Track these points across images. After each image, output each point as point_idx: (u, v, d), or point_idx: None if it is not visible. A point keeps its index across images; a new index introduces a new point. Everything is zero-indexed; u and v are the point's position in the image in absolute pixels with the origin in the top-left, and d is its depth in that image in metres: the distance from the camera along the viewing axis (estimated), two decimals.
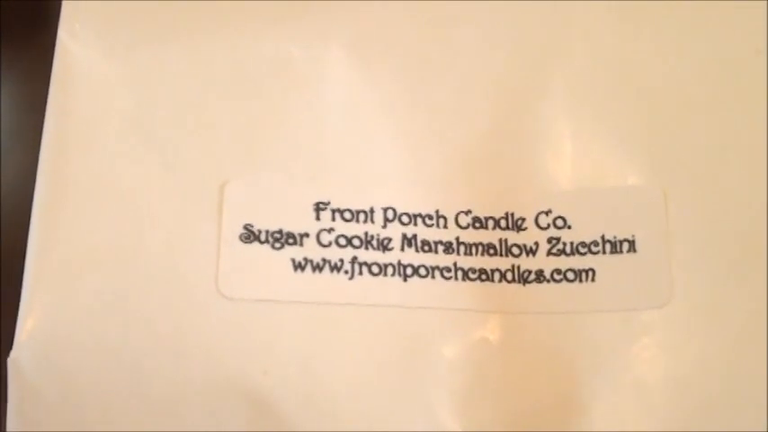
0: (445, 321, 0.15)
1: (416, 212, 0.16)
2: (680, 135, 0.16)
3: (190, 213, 0.15)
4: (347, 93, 0.16)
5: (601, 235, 0.15)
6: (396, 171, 0.16)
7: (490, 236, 0.15)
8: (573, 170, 0.16)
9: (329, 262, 0.15)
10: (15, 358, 0.15)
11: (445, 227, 0.15)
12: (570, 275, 0.15)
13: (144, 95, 0.16)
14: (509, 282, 0.15)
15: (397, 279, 0.15)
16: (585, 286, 0.15)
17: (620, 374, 0.14)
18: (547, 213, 0.16)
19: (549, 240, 0.15)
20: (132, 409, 0.14)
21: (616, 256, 0.15)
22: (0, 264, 0.34)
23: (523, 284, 0.15)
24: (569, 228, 0.15)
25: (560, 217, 0.15)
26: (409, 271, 0.15)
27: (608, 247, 0.15)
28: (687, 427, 0.14)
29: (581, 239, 0.15)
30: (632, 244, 0.15)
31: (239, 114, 0.16)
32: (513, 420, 0.15)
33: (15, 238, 0.38)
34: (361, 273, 0.15)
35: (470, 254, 0.15)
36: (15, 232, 0.39)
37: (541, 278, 0.15)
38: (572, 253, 0.15)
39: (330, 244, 0.15)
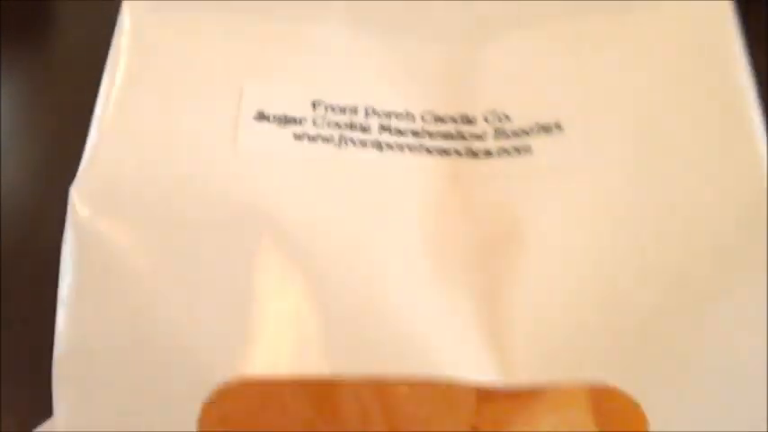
0: (412, 176, 0.19)
1: (391, 110, 0.20)
2: (587, 68, 0.20)
3: (218, 104, 0.20)
4: (342, 31, 0.21)
5: (535, 122, 0.20)
6: (376, 81, 0.21)
7: (448, 127, 0.20)
8: (514, 85, 0.20)
9: (321, 136, 0.20)
10: (72, 201, 0.19)
11: (413, 121, 0.20)
12: (511, 151, 0.19)
13: (190, 36, 0.21)
14: (462, 156, 0.20)
15: (374, 150, 0.19)
16: (524, 157, 0.19)
17: (548, 219, 0.18)
18: (492, 112, 0.20)
19: (495, 130, 0.20)
20: (172, 225, 0.18)
21: (548, 136, 0.19)
22: (0, 263, 0.34)
23: (474, 158, 0.20)
24: (509, 120, 0.20)
25: (502, 113, 0.20)
26: (384, 146, 0.20)
27: (541, 130, 0.20)
28: (611, 247, 0.18)
29: (520, 127, 0.20)
30: (559, 125, 0.19)
31: (257, 45, 0.21)
32: (467, 245, 0.18)
33: (15, 237, 0.38)
34: (346, 144, 0.20)
35: (432, 138, 0.20)
36: (15, 232, 0.39)
37: (489, 155, 0.20)
38: (512, 136, 0.20)
39: (322, 125, 0.20)
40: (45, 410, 0.26)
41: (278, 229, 0.18)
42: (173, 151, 0.19)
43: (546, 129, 0.19)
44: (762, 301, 0.17)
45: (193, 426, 0.16)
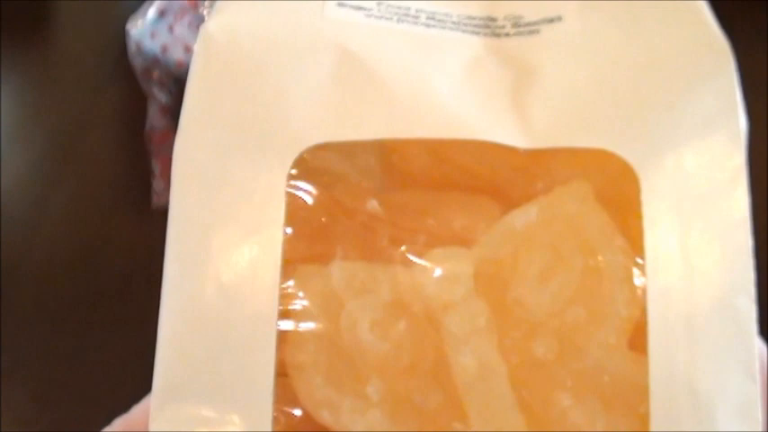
0: (455, 39, 0.24)
1: (434, 11, 0.24)
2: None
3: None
4: None
5: (542, 17, 0.24)
6: None
7: (477, 22, 0.25)
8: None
9: (384, 17, 0.24)
10: (207, 30, 0.22)
11: (451, 18, 0.24)
12: (525, 32, 0.24)
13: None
14: (489, 36, 0.24)
15: (424, 27, 0.24)
16: (534, 36, 0.24)
17: (557, 53, 0.23)
18: (509, 15, 0.24)
19: (513, 24, 0.24)
20: (269, 57, 0.23)
21: (552, 24, 0.24)
22: (0, 263, 0.34)
23: (498, 37, 0.24)
24: (523, 17, 0.24)
25: (518, 15, 0.24)
26: (431, 22, 0.24)
27: (546, 21, 0.24)
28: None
29: (532, 20, 0.24)
30: (561, 17, 0.24)
31: None
32: (499, 77, 0.23)
33: (15, 238, 0.38)
34: (402, 21, 0.24)
35: (467, 26, 0.25)
36: (15, 232, 0.39)
37: (508, 35, 0.24)
38: (525, 26, 0.24)
39: (385, 12, 0.24)
40: (45, 410, 0.26)
41: (349, 53, 0.23)
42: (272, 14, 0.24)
43: (550, 20, 0.24)
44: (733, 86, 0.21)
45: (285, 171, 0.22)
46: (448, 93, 0.23)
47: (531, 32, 0.25)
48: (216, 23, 0.24)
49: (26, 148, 0.38)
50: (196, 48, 0.23)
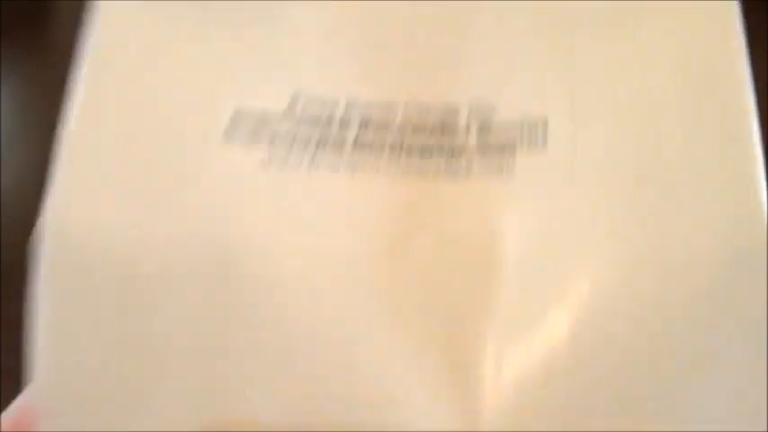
0: (385, 196, 0.18)
1: (371, 101, 0.19)
2: (593, 56, 0.19)
3: (187, 109, 0.19)
4: (321, 27, 0.20)
5: (520, 118, 0.19)
6: (356, 71, 0.20)
7: (432, 119, 0.19)
8: (500, 67, 0.19)
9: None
10: (41, 233, 0.19)
11: (395, 113, 0.19)
12: (493, 158, 0.18)
13: (163, 31, 0.20)
14: (445, 157, 0.19)
15: (353, 150, 0.19)
16: (505, 175, 0.18)
17: (531, 239, 0.17)
18: (478, 102, 0.19)
19: (479, 126, 0.19)
20: (137, 271, 0.17)
21: (531, 135, 0.19)
22: (0, 263, 0.34)
23: (454, 165, 0.19)
24: (495, 110, 0.19)
25: (489, 104, 0.19)
26: (362, 144, 0.19)
27: (526, 127, 0.19)
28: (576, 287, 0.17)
29: (505, 119, 0.19)
30: (545, 123, 0.19)
31: (238, 41, 0.20)
32: (439, 247, 0.17)
33: (15, 237, 0.38)
34: (323, 148, 0.19)
35: (416, 133, 0.19)
36: (15, 232, 0.39)
37: (470, 168, 0.18)
38: (494, 142, 0.19)
39: (300, 123, 0.19)
40: None
41: (235, 265, 0.17)
42: (136, 171, 0.18)
43: (532, 127, 0.18)
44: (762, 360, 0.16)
45: None
46: (365, 344, 0.17)
47: (501, 168, 0.18)
48: (55, 214, 0.18)
49: (26, 148, 0.38)
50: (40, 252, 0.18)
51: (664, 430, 0.16)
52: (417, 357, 0.16)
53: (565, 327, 0.16)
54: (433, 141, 0.18)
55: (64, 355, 0.18)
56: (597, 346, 0.16)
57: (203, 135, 0.18)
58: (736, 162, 0.18)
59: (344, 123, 0.19)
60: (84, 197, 0.18)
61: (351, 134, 0.18)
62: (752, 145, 0.18)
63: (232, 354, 0.17)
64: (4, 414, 0.19)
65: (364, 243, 0.18)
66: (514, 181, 0.18)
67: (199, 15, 0.20)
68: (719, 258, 0.17)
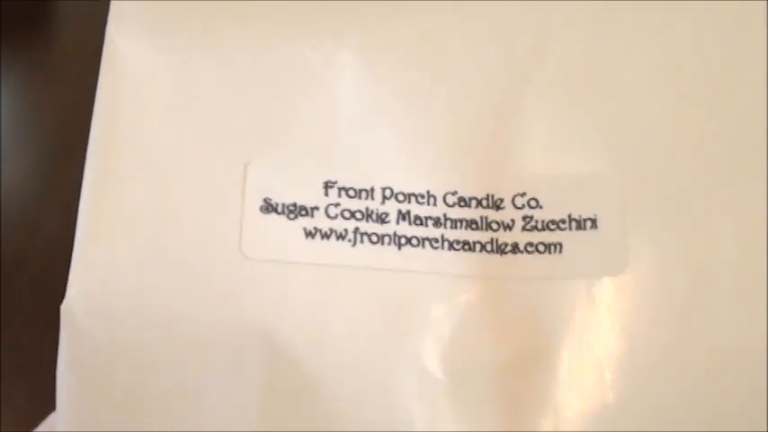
0: (432, 284, 0.18)
1: (410, 192, 0.18)
2: (641, 126, 0.18)
3: (219, 187, 0.18)
4: (355, 91, 0.19)
5: (568, 214, 0.18)
6: (394, 157, 0.19)
7: (473, 213, 0.18)
8: (546, 157, 0.18)
9: (335, 231, 0.18)
10: (68, 308, 0.17)
11: (434, 204, 0.18)
12: (541, 248, 0.18)
13: (181, 88, 0.19)
14: (488, 252, 0.18)
15: (393, 247, 0.18)
16: (554, 257, 0.18)
17: (579, 333, 0.17)
18: (522, 195, 0.18)
19: (524, 218, 0.18)
20: (170, 349, 0.17)
21: (581, 232, 0.18)
22: (0, 263, 0.34)
23: (501, 255, 0.18)
24: (541, 207, 0.18)
25: (533, 198, 0.18)
26: (403, 240, 0.18)
27: (573, 224, 0.18)
28: (634, 383, 0.17)
29: (551, 218, 0.18)
30: (594, 222, 0.18)
31: (262, 107, 0.19)
32: (490, 369, 0.17)
33: (15, 238, 0.38)
34: (362, 241, 0.18)
35: (456, 228, 0.18)
36: (15, 232, 0.39)
37: (516, 250, 0.18)
38: (543, 229, 0.18)
39: (336, 216, 0.18)
40: (44, 410, 0.26)
41: (282, 355, 0.17)
42: (169, 249, 0.17)
43: (580, 224, 0.18)
44: None
45: None
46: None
47: (547, 249, 0.18)
48: (78, 296, 0.17)
49: (26, 148, 0.38)
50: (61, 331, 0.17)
51: None
52: None
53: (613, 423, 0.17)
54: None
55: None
56: None
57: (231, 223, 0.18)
58: None
59: (382, 216, 0.18)
60: (112, 273, 0.18)
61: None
62: None
63: None
64: None
65: (414, 331, 0.17)
66: (562, 273, 0.17)
67: (221, 72, 0.19)
68: None
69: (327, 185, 0.18)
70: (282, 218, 0.18)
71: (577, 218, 0.18)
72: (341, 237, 0.18)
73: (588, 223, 0.18)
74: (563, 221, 0.18)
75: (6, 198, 0.36)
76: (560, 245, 0.17)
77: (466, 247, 0.18)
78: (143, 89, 0.18)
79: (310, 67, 0.19)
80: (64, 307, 0.17)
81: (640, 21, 0.19)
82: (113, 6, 0.19)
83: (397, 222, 0.18)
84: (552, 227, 0.18)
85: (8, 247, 0.34)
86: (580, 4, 0.19)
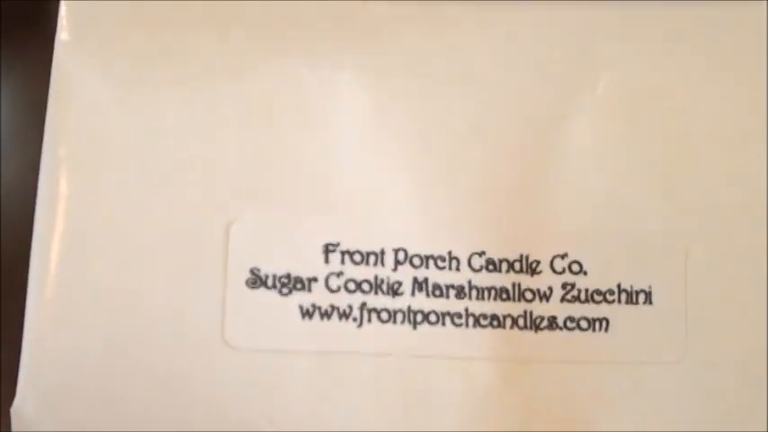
0: (453, 369, 0.15)
1: (428, 254, 0.15)
2: (705, 182, 0.16)
3: (194, 257, 0.15)
4: (358, 125, 0.16)
5: (617, 283, 0.15)
6: (407, 209, 0.16)
7: (503, 279, 0.15)
8: (591, 212, 0.15)
9: (338, 309, 0.15)
10: (18, 407, 0.15)
11: (458, 269, 0.15)
12: (583, 324, 0.15)
13: (145, 130, 0.15)
14: (521, 328, 0.15)
15: (407, 326, 0.15)
16: (598, 336, 0.15)
17: (624, 426, 0.15)
18: (562, 257, 0.15)
19: (564, 286, 0.15)
20: None
21: (631, 307, 0.15)
22: (0, 264, 0.34)
23: (535, 331, 0.15)
24: (585, 274, 0.15)
25: (576, 261, 0.15)
26: (419, 317, 0.15)
27: (623, 296, 0.15)
28: None
29: (596, 287, 0.15)
30: (648, 295, 0.15)
31: (246, 147, 0.15)
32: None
33: (15, 238, 0.38)
34: (369, 320, 0.15)
35: (482, 298, 0.15)
36: (15, 232, 0.39)
37: (554, 325, 0.15)
38: (586, 300, 0.15)
39: (339, 289, 0.15)
40: None
41: None
42: (133, 349, 0.15)
43: (630, 297, 0.15)
44: None
45: None
46: None
47: (591, 325, 0.15)
48: (30, 398, 0.15)
49: (26, 148, 0.38)
50: None
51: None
52: None
53: None
54: (507, 309, 0.15)
55: None
56: None
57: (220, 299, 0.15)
58: None
59: (393, 286, 0.15)
60: (69, 371, 0.15)
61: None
62: None
63: None
64: None
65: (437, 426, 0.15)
66: (607, 356, 0.15)
67: (193, 101, 0.15)
68: None
69: (328, 249, 0.15)
70: (273, 293, 0.15)
71: (628, 288, 0.15)
72: (344, 315, 0.15)
73: (641, 296, 0.15)
74: (611, 292, 0.15)
75: (6, 198, 0.36)
76: (606, 321, 0.15)
77: (494, 323, 0.15)
78: (96, 135, 0.15)
79: (305, 92, 0.15)
80: (13, 408, 0.15)
81: (696, 55, 0.16)
82: (63, 23, 0.15)
83: (413, 294, 0.15)
84: (598, 298, 0.15)
85: (8, 247, 0.34)
86: (629, 33, 0.16)
